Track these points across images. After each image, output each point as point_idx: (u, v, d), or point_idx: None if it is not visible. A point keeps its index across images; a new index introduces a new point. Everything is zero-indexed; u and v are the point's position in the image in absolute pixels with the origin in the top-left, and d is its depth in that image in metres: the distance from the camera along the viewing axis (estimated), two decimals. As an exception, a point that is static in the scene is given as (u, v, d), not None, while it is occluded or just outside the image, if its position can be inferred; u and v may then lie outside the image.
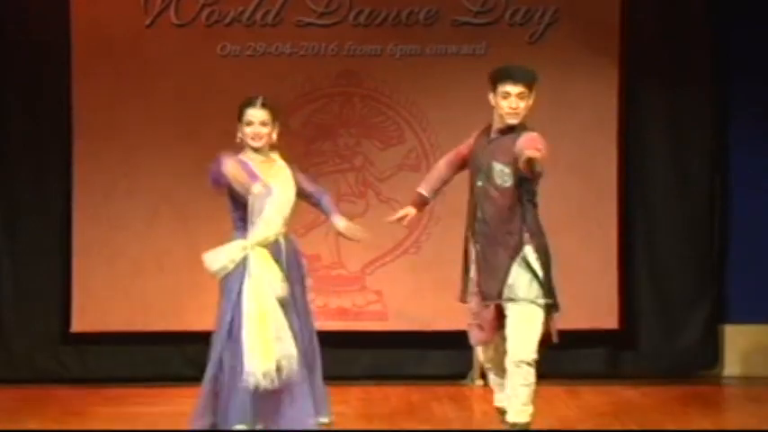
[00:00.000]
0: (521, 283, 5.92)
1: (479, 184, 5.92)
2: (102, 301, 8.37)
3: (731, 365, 8.62)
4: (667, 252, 8.53)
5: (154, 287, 8.34)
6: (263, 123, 5.75)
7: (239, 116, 5.79)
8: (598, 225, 8.47)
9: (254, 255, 5.63)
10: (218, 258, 5.64)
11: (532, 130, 5.98)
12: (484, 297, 5.95)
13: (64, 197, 8.44)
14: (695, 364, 8.56)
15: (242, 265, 5.62)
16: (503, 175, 5.89)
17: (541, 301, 5.91)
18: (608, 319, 8.45)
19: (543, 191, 8.31)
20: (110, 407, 7.57)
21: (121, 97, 8.44)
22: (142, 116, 8.41)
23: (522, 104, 5.91)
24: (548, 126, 8.35)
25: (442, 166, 6.29)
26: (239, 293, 5.59)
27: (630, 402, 7.59)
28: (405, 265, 8.46)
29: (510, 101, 5.90)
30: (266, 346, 5.49)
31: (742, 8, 8.50)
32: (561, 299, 8.27)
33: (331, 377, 8.23)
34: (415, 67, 8.43)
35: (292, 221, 8.55)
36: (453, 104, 8.40)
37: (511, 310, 5.91)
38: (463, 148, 6.18)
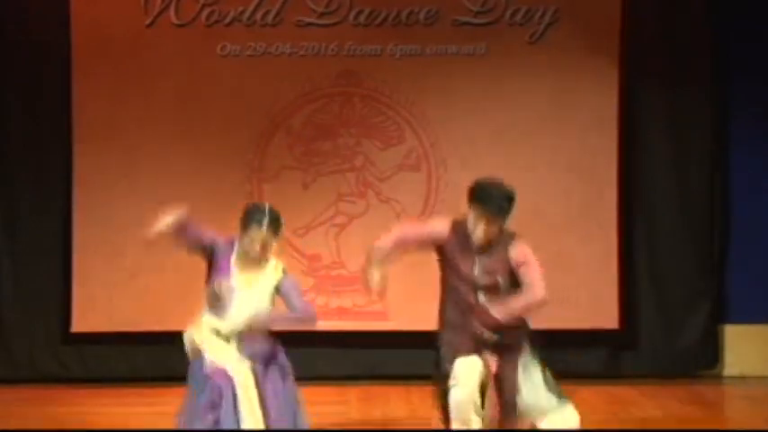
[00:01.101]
0: (536, 396, 5.82)
1: (481, 299, 5.69)
2: (102, 301, 8.37)
3: (731, 365, 8.62)
4: (667, 252, 8.52)
5: (154, 287, 8.34)
6: (265, 244, 5.55)
7: (245, 224, 5.56)
8: (598, 225, 8.47)
9: (196, 335, 5.62)
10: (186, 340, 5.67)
11: (514, 232, 5.77)
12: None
13: (64, 197, 8.44)
14: (695, 364, 8.56)
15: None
16: (507, 286, 5.71)
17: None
18: (608, 319, 8.45)
19: (543, 191, 8.37)
20: (110, 407, 7.57)
21: (121, 97, 8.44)
22: (142, 116, 8.41)
23: (495, 229, 5.69)
24: (548, 126, 8.46)
25: (398, 241, 5.95)
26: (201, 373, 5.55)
27: (630, 402, 7.59)
28: (405, 265, 8.44)
29: (482, 225, 5.72)
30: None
31: (742, 8, 8.51)
32: (561, 299, 8.30)
33: (331, 377, 8.27)
34: (415, 67, 8.43)
35: (293, 220, 8.58)
36: (453, 104, 8.40)
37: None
38: (436, 230, 5.84)
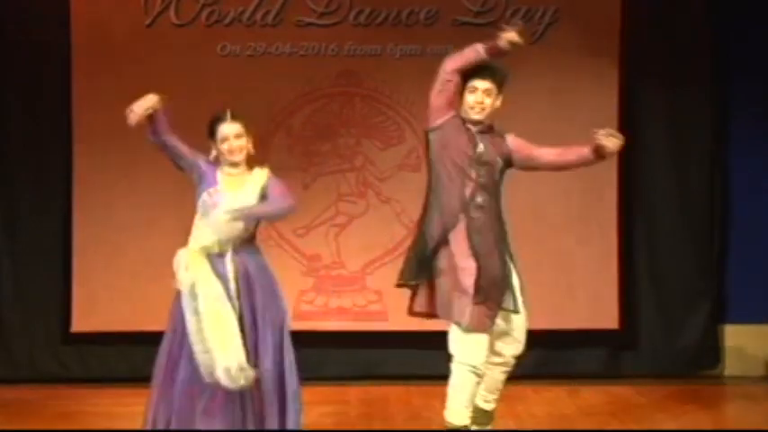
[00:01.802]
0: (515, 289, 5.97)
1: (482, 174, 5.87)
2: (102, 301, 8.37)
3: (731, 365, 8.62)
4: (667, 252, 8.53)
5: (154, 287, 8.30)
6: (238, 136, 5.69)
7: (211, 134, 5.72)
8: (598, 225, 8.47)
9: (187, 258, 5.65)
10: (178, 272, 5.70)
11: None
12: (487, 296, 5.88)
13: (64, 197, 8.44)
14: (695, 363, 8.56)
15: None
16: (501, 171, 5.97)
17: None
18: (608, 319, 8.45)
19: (543, 191, 8.37)
20: (110, 407, 7.57)
21: (121, 97, 8.40)
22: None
23: (489, 101, 5.90)
24: (548, 126, 8.45)
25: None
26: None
27: (630, 402, 7.59)
28: (404, 266, 8.45)
29: (476, 95, 5.90)
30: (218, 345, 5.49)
31: (742, 8, 8.50)
32: (561, 299, 8.36)
33: (331, 377, 8.26)
34: (415, 67, 8.42)
35: (293, 220, 8.57)
36: (453, 104, 8.40)
37: (514, 318, 5.96)
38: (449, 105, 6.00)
